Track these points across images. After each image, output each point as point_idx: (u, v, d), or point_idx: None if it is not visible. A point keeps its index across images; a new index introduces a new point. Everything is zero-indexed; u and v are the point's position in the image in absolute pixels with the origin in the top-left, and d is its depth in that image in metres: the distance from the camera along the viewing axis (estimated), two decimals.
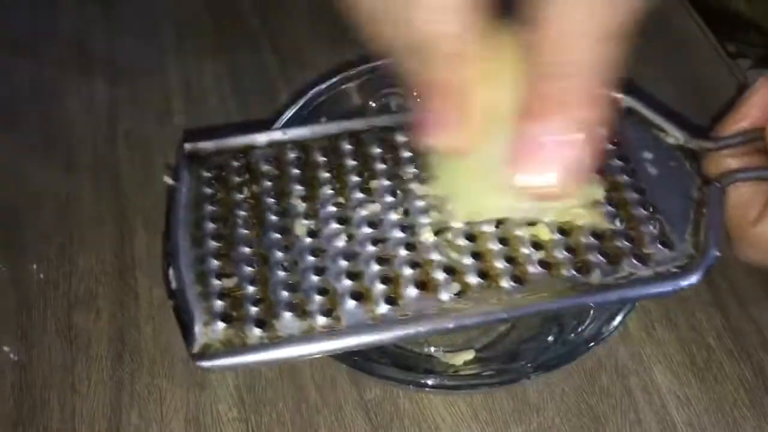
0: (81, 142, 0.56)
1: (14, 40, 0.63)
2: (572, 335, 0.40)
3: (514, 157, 0.28)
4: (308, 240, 0.36)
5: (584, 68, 0.26)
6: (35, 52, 0.62)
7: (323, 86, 0.47)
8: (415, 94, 0.29)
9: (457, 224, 0.35)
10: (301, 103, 0.46)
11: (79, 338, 0.46)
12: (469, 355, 0.42)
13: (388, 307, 0.33)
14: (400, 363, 0.41)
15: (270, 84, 0.59)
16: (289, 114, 0.45)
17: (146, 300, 0.48)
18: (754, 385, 0.44)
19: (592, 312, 0.40)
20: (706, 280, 0.48)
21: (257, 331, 0.33)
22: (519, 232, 0.35)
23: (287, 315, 0.33)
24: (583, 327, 0.40)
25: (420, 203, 0.37)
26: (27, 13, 0.65)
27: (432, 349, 0.44)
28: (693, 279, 0.34)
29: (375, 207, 0.37)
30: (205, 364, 0.32)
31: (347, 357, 0.39)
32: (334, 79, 0.47)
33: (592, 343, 0.39)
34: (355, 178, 0.38)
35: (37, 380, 0.45)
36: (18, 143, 0.56)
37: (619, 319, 0.39)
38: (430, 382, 0.39)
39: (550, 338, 0.42)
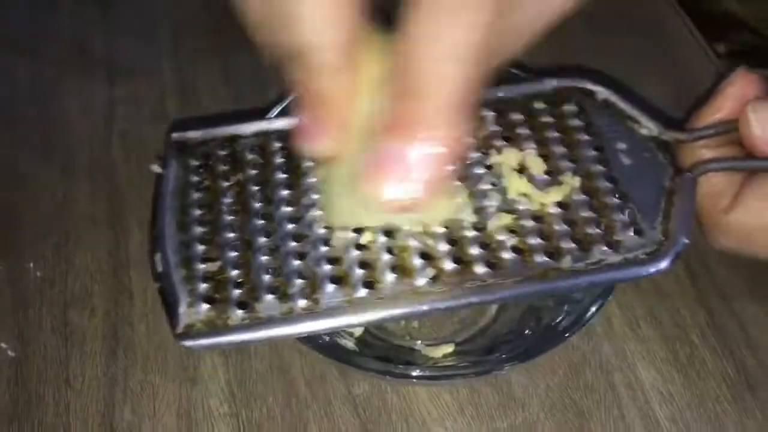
0: (78, 142, 0.57)
1: (13, 41, 0.64)
2: (548, 328, 0.41)
3: (367, 170, 0.29)
4: (290, 226, 0.37)
5: (439, 89, 0.27)
6: (34, 53, 0.63)
7: None
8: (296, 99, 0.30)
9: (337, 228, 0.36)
10: (291, 98, 0.47)
11: (74, 335, 0.47)
12: (449, 348, 0.44)
13: (366, 290, 0.34)
14: (382, 355, 0.42)
15: (264, 85, 0.59)
16: (278, 109, 0.46)
17: (140, 298, 0.49)
18: (736, 381, 0.45)
19: (566, 306, 0.41)
20: (690, 278, 0.49)
21: (239, 313, 0.34)
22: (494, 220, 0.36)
23: (268, 297, 0.34)
24: (559, 320, 0.41)
25: None
26: (26, 13, 0.66)
27: (418, 342, 0.45)
28: (661, 265, 0.35)
29: None
30: (188, 343, 0.33)
31: (332, 349, 0.40)
32: None
33: (566, 334, 0.40)
34: None
35: (33, 376, 0.46)
36: (16, 143, 0.57)
37: (593, 310, 0.40)
38: (411, 372, 0.40)
39: (527, 331, 0.43)
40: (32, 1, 0.67)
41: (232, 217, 0.38)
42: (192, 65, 0.62)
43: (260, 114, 0.45)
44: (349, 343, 0.42)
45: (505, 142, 0.39)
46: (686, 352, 0.46)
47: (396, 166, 0.28)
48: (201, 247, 0.36)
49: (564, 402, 0.45)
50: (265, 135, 0.41)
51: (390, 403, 0.44)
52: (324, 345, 0.40)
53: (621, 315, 0.48)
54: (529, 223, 0.36)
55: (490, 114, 0.40)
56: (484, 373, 0.40)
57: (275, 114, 0.45)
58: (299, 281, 0.35)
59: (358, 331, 0.43)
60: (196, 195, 0.39)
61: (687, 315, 0.48)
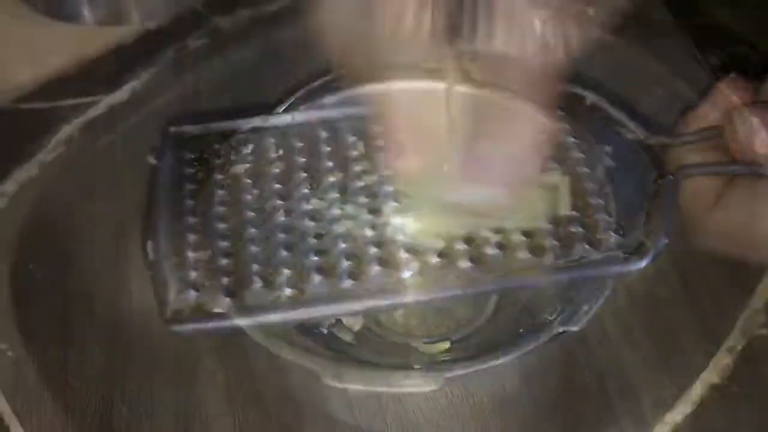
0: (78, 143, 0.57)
1: None
2: (544, 325, 0.42)
3: (456, 175, 0.29)
4: (281, 219, 0.37)
5: (522, 90, 0.27)
6: None
7: (320, 82, 0.48)
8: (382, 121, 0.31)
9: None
10: (298, 95, 0.47)
11: (73, 335, 0.48)
12: (446, 345, 0.44)
13: (352, 282, 0.35)
14: (379, 351, 0.43)
15: (264, 84, 0.60)
16: (287, 104, 0.47)
17: (139, 298, 0.49)
18: (728, 384, 0.45)
19: (560, 306, 0.42)
20: (683, 283, 0.49)
21: (227, 300, 0.35)
22: None
23: (256, 286, 0.35)
24: (554, 318, 0.42)
25: (389, 188, 0.39)
26: None
27: (415, 339, 0.46)
28: (641, 264, 0.36)
29: (345, 191, 0.38)
30: (177, 328, 0.34)
31: (330, 341, 0.41)
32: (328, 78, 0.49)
33: (562, 330, 0.41)
34: (329, 164, 0.40)
35: (32, 376, 0.46)
36: None
37: (587, 308, 0.41)
38: (407, 367, 0.41)
39: (522, 330, 0.44)
40: None
41: (224, 209, 0.38)
42: (192, 62, 0.62)
43: (257, 110, 0.46)
44: (347, 337, 0.43)
45: None
46: (678, 357, 0.47)
47: (486, 170, 0.28)
48: (193, 237, 0.37)
49: (556, 406, 0.45)
50: (261, 131, 0.42)
51: (385, 406, 0.45)
52: (321, 337, 0.40)
53: (614, 321, 0.48)
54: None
55: None
56: (479, 369, 0.40)
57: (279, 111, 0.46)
58: (287, 271, 0.36)
59: (356, 326, 0.44)
60: (190, 186, 0.39)
61: (679, 320, 0.48)
